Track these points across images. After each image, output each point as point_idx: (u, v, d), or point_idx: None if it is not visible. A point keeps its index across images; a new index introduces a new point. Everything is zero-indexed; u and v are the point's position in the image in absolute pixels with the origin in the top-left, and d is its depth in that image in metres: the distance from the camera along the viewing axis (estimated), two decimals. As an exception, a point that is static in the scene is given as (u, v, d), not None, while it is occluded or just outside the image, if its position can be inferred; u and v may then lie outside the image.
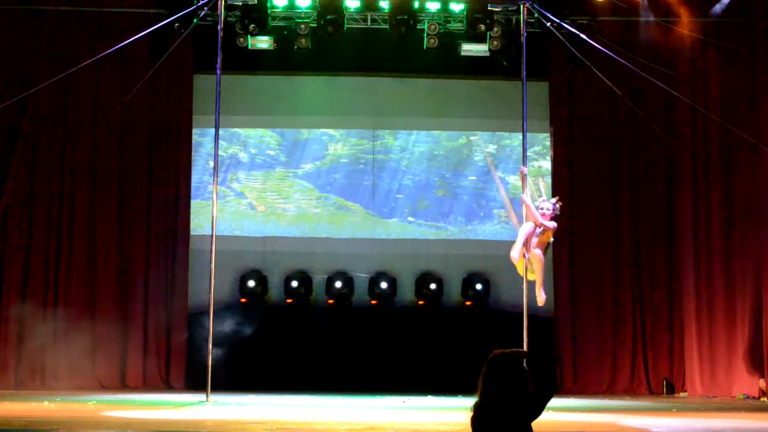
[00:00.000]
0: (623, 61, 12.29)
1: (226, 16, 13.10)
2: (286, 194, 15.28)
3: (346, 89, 15.32)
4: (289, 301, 14.55)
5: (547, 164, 15.02)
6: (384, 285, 14.66)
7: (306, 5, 13.81)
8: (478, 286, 14.69)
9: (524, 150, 11.08)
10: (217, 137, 11.74)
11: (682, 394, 13.92)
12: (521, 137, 11.40)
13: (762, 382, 13.15)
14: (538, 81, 14.39)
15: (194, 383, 13.42)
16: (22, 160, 14.04)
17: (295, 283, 14.56)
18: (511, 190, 14.82)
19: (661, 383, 14.09)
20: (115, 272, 14.10)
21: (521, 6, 11.67)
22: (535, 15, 12.33)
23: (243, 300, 14.54)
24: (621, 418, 9.34)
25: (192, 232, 14.52)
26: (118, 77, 14.18)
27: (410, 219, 15.26)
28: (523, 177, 10.52)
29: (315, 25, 13.93)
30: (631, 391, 14.09)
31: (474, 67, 14.90)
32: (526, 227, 10.19)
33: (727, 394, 13.44)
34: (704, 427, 8.67)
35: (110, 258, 14.16)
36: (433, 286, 14.69)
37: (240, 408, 10.62)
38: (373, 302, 14.69)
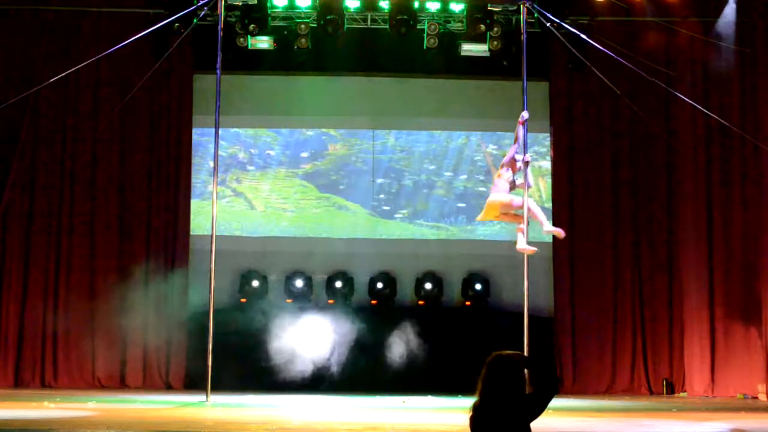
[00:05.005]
0: (623, 62, 12.29)
1: (226, 16, 13.11)
2: (286, 194, 15.28)
3: (346, 89, 15.31)
4: (289, 301, 14.54)
5: (547, 164, 15.02)
6: (384, 285, 14.67)
7: (306, 5, 13.81)
8: (478, 286, 14.68)
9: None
10: (217, 137, 11.75)
11: (682, 394, 13.92)
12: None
13: (761, 387, 13.14)
14: (538, 81, 14.37)
15: (194, 383, 13.43)
16: (22, 160, 14.06)
17: (295, 283, 14.57)
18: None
19: (661, 383, 14.08)
20: (115, 272, 14.09)
21: (521, 6, 11.67)
22: (535, 15, 12.33)
23: (243, 300, 14.54)
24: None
25: (192, 232, 14.52)
26: (117, 77, 14.18)
27: (410, 219, 15.26)
28: (523, 123, 10.91)
29: (315, 25, 13.94)
30: (631, 391, 14.08)
31: (474, 67, 14.88)
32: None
33: (727, 394, 13.44)
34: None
35: (110, 258, 14.16)
36: (432, 286, 14.69)
37: (240, 408, 10.63)
38: (373, 302, 14.69)
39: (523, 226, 10.77)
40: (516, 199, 10.73)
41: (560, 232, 10.93)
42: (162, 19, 12.86)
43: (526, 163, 10.86)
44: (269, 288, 14.67)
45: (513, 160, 10.74)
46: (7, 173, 13.94)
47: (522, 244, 10.78)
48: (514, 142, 10.90)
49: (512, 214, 10.83)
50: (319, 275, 14.81)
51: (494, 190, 10.76)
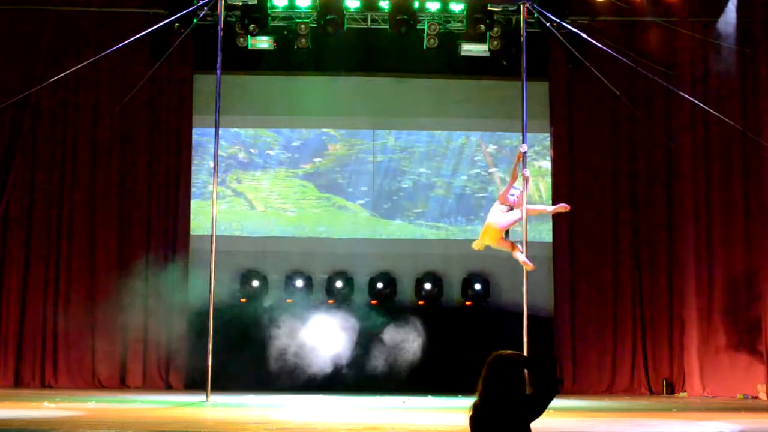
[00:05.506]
0: (624, 61, 12.27)
1: (226, 16, 13.11)
2: (286, 194, 15.28)
3: (346, 89, 15.31)
4: (289, 301, 14.55)
5: (547, 164, 15.02)
6: (384, 285, 14.67)
7: (306, 5, 13.82)
8: (478, 286, 14.69)
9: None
10: (217, 137, 11.76)
11: (682, 394, 13.92)
12: (521, 137, 11.40)
13: (761, 387, 13.14)
14: (538, 81, 14.36)
15: (194, 383, 13.43)
16: (23, 159, 14.06)
17: (295, 283, 14.57)
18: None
19: (661, 383, 14.08)
20: (115, 272, 14.09)
21: (521, 6, 11.68)
22: (535, 15, 12.34)
23: (243, 300, 14.54)
24: None
25: (192, 232, 14.52)
26: (118, 77, 14.18)
27: (410, 219, 15.26)
28: (522, 155, 10.81)
29: (315, 25, 13.94)
30: (631, 391, 14.08)
31: (474, 67, 14.88)
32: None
33: (727, 394, 13.44)
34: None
35: (110, 257, 14.16)
36: (432, 286, 14.69)
37: (240, 408, 10.63)
38: (374, 302, 14.70)
39: (519, 245, 10.75)
40: (514, 214, 10.61)
41: (566, 207, 10.93)
42: (162, 19, 12.87)
43: (526, 179, 10.82)
44: (269, 288, 14.67)
45: (506, 196, 10.60)
46: (7, 173, 13.93)
47: (522, 258, 10.72)
48: (511, 179, 10.67)
49: (506, 241, 10.75)
50: (319, 275, 14.82)
51: (491, 216, 10.67)
